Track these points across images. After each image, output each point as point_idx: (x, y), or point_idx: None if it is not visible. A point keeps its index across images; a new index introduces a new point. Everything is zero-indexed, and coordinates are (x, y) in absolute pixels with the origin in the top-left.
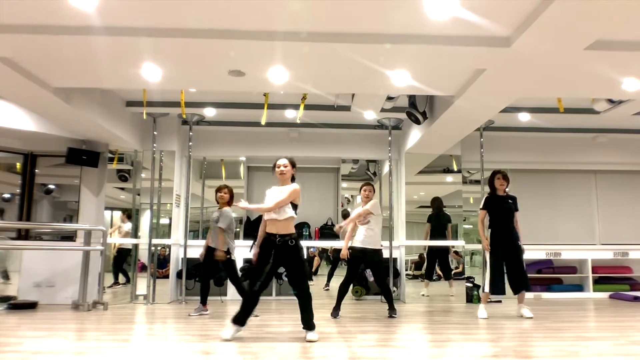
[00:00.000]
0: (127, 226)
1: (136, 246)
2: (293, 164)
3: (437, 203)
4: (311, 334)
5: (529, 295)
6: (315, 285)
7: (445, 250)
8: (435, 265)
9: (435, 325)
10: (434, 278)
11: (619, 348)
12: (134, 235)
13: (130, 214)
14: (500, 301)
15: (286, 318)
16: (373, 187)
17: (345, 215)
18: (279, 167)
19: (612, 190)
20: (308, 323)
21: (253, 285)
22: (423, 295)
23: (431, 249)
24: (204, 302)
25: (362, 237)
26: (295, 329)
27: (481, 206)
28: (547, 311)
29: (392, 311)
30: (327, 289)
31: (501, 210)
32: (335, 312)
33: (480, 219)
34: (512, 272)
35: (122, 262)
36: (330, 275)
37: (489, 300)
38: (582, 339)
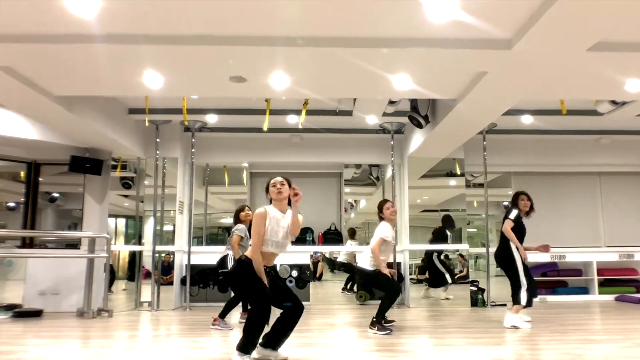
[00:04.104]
0: None
1: (140, 253)
2: (290, 184)
3: (447, 222)
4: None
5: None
6: (326, 289)
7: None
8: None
9: (439, 330)
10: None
11: (625, 351)
12: (137, 242)
13: None
14: (505, 305)
15: None
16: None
17: (353, 233)
18: (275, 186)
19: (616, 191)
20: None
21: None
22: (448, 299)
23: (429, 255)
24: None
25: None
26: (299, 334)
27: (513, 217)
28: (552, 314)
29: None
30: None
31: (523, 228)
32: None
33: (510, 229)
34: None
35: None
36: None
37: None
38: (588, 342)
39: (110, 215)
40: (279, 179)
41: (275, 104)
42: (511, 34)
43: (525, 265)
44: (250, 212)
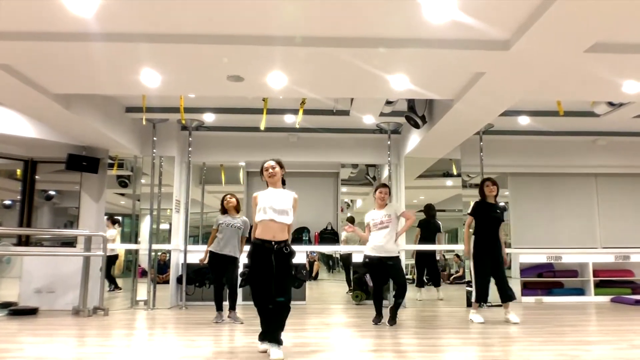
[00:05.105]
0: (110, 232)
1: (136, 251)
2: (281, 165)
3: (429, 210)
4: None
5: (530, 299)
6: (322, 289)
7: (433, 256)
8: (424, 271)
9: (434, 330)
10: (427, 284)
11: (620, 352)
12: (133, 240)
13: (115, 220)
14: (500, 305)
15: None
16: (390, 189)
17: (351, 220)
18: (267, 170)
19: (612, 193)
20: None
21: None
22: (419, 300)
23: (419, 255)
24: (233, 307)
25: (383, 244)
26: (294, 333)
27: (469, 212)
28: (548, 315)
29: (392, 321)
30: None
31: (489, 219)
32: (378, 318)
33: (467, 225)
34: (498, 283)
35: (108, 268)
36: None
37: (480, 306)
38: (583, 343)
39: (107, 214)
40: (271, 162)
41: (273, 104)
42: (509, 35)
43: (480, 262)
44: (232, 200)
